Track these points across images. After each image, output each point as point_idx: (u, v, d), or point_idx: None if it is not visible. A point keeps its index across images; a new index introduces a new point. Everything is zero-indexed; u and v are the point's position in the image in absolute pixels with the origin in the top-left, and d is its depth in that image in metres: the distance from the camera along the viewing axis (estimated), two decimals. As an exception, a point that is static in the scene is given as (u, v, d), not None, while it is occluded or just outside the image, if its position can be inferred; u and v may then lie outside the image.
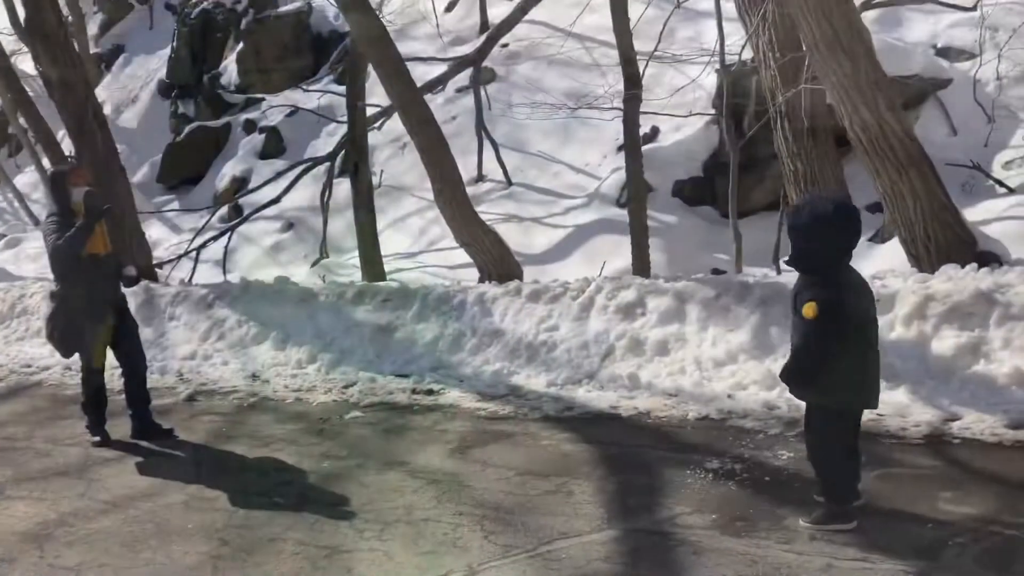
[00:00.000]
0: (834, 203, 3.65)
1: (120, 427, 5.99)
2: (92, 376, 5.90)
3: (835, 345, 3.53)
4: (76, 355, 5.95)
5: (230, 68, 19.09)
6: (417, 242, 12.36)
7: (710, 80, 11.54)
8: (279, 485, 4.84)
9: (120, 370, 6.02)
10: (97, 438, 5.89)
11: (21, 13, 12.46)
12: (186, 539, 4.23)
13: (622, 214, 10.84)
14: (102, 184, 10.13)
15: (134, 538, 4.29)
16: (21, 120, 20.82)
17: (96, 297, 5.70)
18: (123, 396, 6.04)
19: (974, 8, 10.45)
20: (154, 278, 10.52)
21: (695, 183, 11.37)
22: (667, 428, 5.18)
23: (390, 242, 12.16)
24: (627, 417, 5.43)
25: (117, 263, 5.93)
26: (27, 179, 22.98)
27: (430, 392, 6.36)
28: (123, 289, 5.99)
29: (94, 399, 5.94)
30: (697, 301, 6.11)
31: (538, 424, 5.47)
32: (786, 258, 3.77)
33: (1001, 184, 9.47)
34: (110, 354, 5.96)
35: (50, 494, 5.02)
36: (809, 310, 3.50)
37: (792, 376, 3.69)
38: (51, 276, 5.93)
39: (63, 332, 5.78)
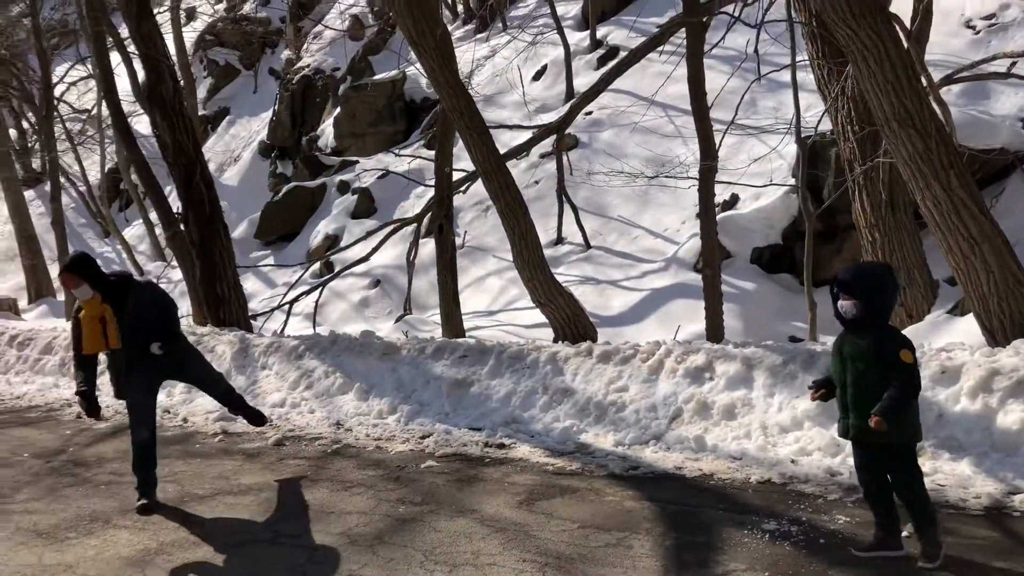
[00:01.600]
0: (887, 268, 4.22)
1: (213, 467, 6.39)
2: (137, 431, 5.85)
3: (920, 387, 4.06)
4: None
5: (327, 131, 20.09)
6: (496, 301, 12.74)
7: (790, 150, 11.74)
8: (358, 526, 5.16)
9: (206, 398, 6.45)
10: (143, 501, 5.69)
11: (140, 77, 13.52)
12: (270, 570, 4.57)
13: (699, 279, 11.00)
14: (208, 242, 10.86)
15: (225, 568, 4.65)
16: (133, 177, 22.25)
17: (126, 376, 5.78)
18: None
19: (1059, 82, 10.41)
20: (249, 329, 11.13)
21: (773, 251, 11.51)
22: (729, 490, 5.32)
23: (470, 301, 12.58)
24: (691, 478, 5.59)
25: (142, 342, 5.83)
26: (134, 231, 24.41)
27: (501, 446, 6.63)
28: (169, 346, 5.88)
29: (140, 457, 5.84)
30: (765, 367, 6.26)
31: (603, 481, 5.67)
32: (852, 316, 4.07)
33: (1087, 260, 9.33)
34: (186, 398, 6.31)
35: (151, 525, 5.45)
36: (908, 356, 3.96)
37: (894, 414, 3.96)
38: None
39: (116, 378, 5.91)
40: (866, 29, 6.62)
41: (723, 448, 5.92)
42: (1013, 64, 10.54)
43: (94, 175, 26.99)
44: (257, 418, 6.83)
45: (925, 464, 5.20)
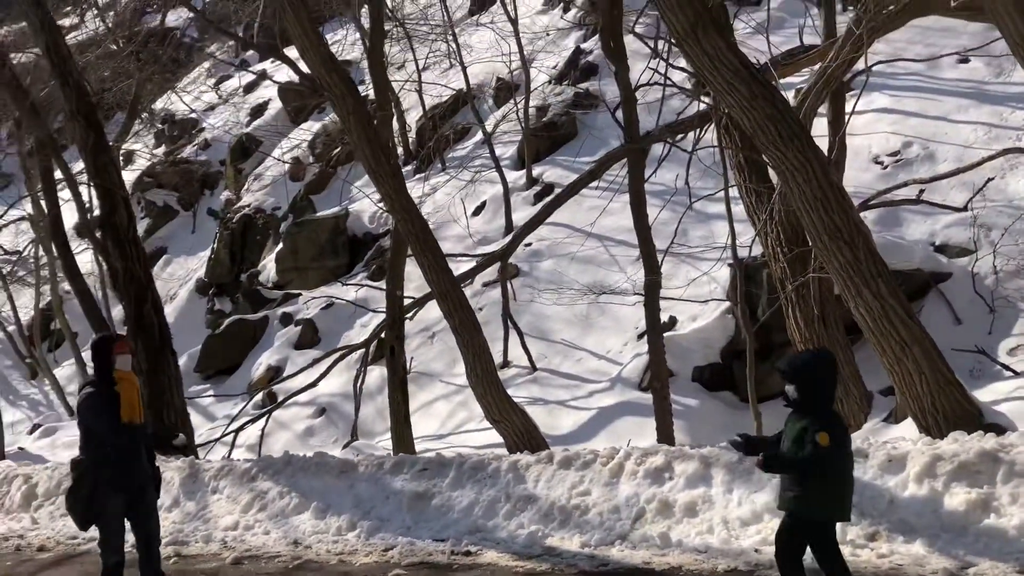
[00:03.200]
0: (822, 353, 4.86)
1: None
2: (111, 555, 5.80)
3: (838, 465, 4.37)
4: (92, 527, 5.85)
5: (268, 267, 20.30)
6: (444, 425, 12.81)
7: (723, 273, 12.38)
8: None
9: (134, 535, 5.92)
10: None
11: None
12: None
13: (644, 397, 11.34)
14: (158, 369, 10.83)
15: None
16: (67, 316, 21.97)
17: (124, 467, 5.70)
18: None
19: (965, 209, 11.36)
20: (196, 457, 10.93)
21: (714, 368, 11.94)
22: (698, 579, 5.47)
23: (419, 425, 12.61)
24: (660, 571, 5.72)
25: (152, 435, 6.03)
26: (64, 372, 23.81)
27: (468, 553, 6.66)
28: (158, 461, 6.00)
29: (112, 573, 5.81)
30: (722, 465, 6.51)
31: (575, 578, 5.75)
32: (792, 399, 4.48)
33: (1007, 368, 9.98)
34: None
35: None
36: (824, 438, 4.28)
37: (777, 467, 4.47)
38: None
39: (84, 506, 5.73)
40: (794, 151, 7.28)
41: (687, 543, 6.08)
42: (922, 191, 11.48)
43: (25, 315, 26.45)
44: None
45: (882, 546, 5.45)
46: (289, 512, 8.38)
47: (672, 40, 8.26)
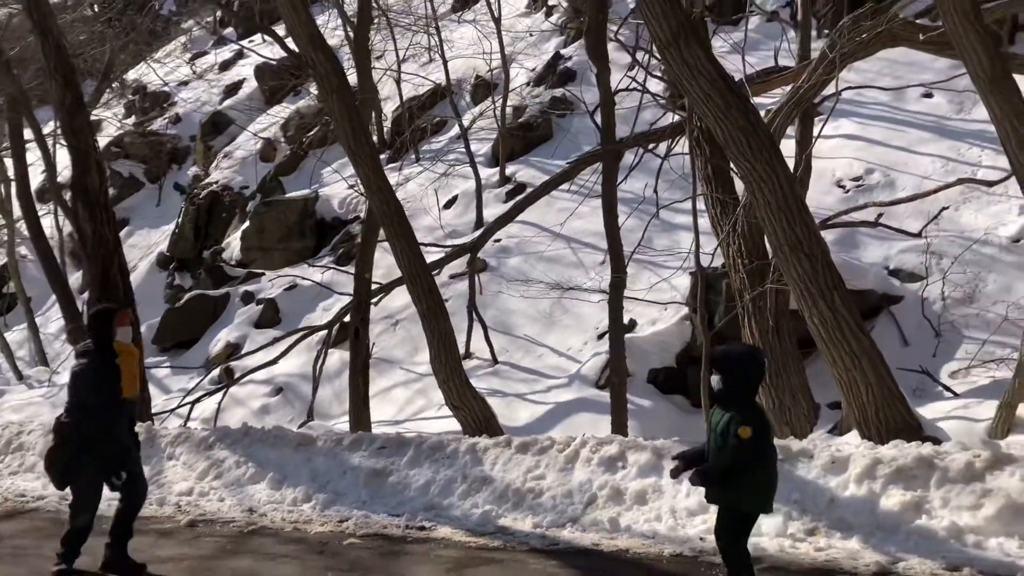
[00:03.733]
0: (752, 349, 5.09)
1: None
2: (82, 515, 5.88)
3: (761, 458, 4.56)
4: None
5: (233, 244, 20.25)
6: (402, 411, 12.95)
7: (684, 281, 12.69)
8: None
9: (119, 499, 6.01)
10: (63, 566, 5.81)
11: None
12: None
13: (601, 395, 11.61)
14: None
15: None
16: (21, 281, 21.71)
17: (109, 437, 5.76)
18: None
19: (920, 235, 11.78)
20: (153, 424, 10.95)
21: (669, 373, 12.23)
22: (645, 562, 5.69)
23: (377, 409, 12.73)
24: (608, 552, 5.93)
25: (135, 408, 6.13)
26: (13, 336, 23.50)
27: (422, 528, 6.81)
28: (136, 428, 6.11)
29: (76, 537, 5.89)
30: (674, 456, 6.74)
31: (526, 554, 5.95)
32: (717, 389, 4.66)
33: (948, 389, 10.39)
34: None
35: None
36: (745, 432, 4.45)
37: (709, 480, 4.59)
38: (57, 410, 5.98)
39: (66, 464, 5.80)
40: (763, 163, 7.56)
41: (636, 528, 6.30)
42: (880, 215, 11.88)
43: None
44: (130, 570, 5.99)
45: (820, 540, 5.73)
46: (245, 481, 8.47)
47: (653, 48, 8.52)
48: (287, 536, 6.77)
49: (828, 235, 12.35)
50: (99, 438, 5.72)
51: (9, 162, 21.30)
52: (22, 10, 17.55)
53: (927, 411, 9.27)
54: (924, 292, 11.78)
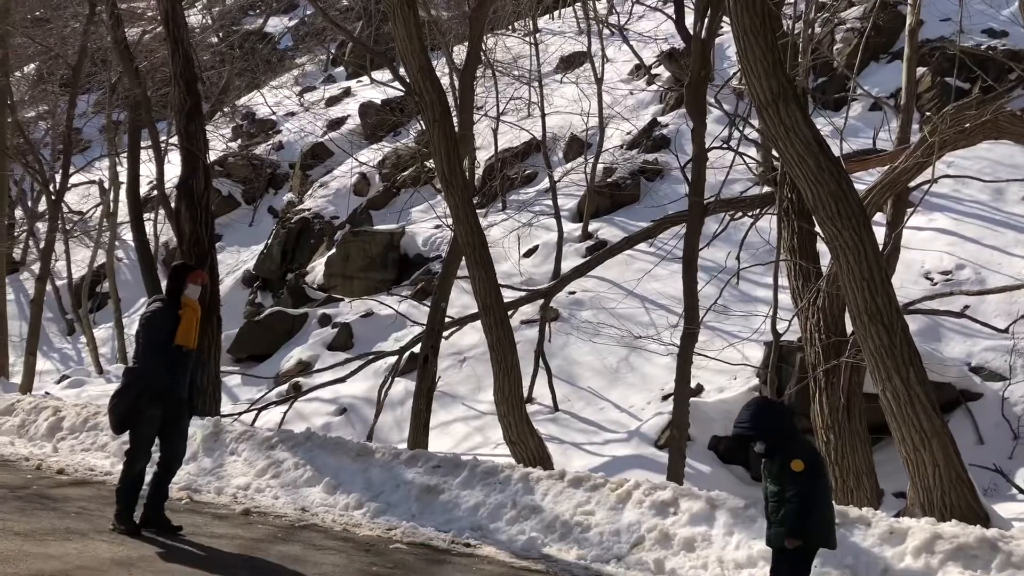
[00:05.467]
0: (759, 400, 5.65)
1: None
2: (138, 461, 6.15)
3: (820, 491, 4.60)
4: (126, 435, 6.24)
5: (317, 269, 20.83)
6: (459, 445, 13.02)
7: (756, 352, 12.59)
8: (334, 573, 5.35)
9: (158, 457, 6.26)
10: (123, 526, 5.99)
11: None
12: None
13: (658, 455, 11.51)
14: (203, 331, 11.24)
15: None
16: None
17: (168, 385, 6.04)
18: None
19: (1006, 331, 11.49)
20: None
21: (731, 442, 12.04)
22: (686, 603, 5.62)
23: (435, 442, 12.83)
24: (650, 590, 5.88)
25: (199, 361, 6.48)
26: (100, 334, 24.46)
27: (468, 544, 6.86)
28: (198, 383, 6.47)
29: (130, 486, 6.15)
30: (727, 508, 6.67)
31: (568, 580, 5.94)
32: (760, 451, 4.74)
33: (1022, 491, 10.02)
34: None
35: (129, 542, 5.62)
36: (798, 465, 4.50)
37: (796, 528, 4.51)
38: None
39: (125, 409, 6.07)
40: (849, 230, 7.54)
41: (681, 574, 6.23)
42: (966, 307, 11.64)
43: (77, 271, 27.25)
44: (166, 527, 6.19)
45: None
46: (301, 483, 8.64)
47: (752, 107, 8.63)
48: (336, 534, 6.89)
49: (911, 324, 12.08)
50: (160, 385, 6.01)
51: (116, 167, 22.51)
52: (154, 29, 18.73)
53: (997, 509, 8.96)
54: (1006, 392, 11.44)
